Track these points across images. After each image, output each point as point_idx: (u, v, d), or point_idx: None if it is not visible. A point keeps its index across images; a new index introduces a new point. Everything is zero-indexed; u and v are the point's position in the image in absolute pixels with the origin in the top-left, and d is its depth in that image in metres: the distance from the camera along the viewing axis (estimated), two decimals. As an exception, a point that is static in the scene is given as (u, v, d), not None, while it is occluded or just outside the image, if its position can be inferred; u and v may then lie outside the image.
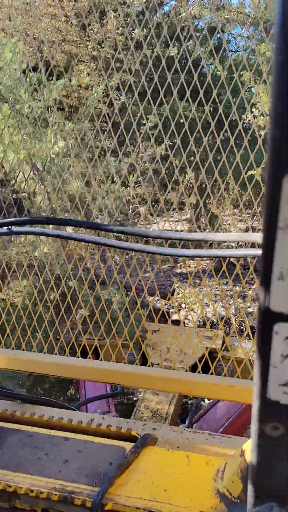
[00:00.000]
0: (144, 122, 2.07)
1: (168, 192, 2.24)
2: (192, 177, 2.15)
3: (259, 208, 2.11)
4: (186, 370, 3.00)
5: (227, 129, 1.97)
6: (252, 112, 2.04)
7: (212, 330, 2.34)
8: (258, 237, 1.38)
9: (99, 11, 9.38)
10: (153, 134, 2.15)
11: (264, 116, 2.06)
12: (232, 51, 11.87)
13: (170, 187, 2.21)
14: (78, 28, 9.51)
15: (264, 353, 0.44)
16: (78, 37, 9.63)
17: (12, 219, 2.00)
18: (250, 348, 2.22)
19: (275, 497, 0.46)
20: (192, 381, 1.89)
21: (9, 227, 1.91)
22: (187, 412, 3.39)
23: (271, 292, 0.42)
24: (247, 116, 2.03)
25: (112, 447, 1.49)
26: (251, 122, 2.04)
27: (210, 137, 2.00)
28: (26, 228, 2.09)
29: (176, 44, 10.32)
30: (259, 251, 1.53)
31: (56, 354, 2.40)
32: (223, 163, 2.00)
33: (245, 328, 2.17)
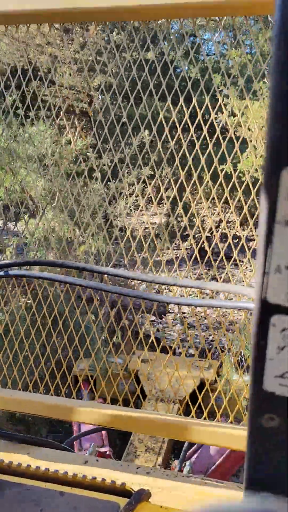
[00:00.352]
0: (125, 121, 2.15)
1: (145, 187, 2.28)
2: (168, 172, 2.19)
3: (231, 200, 2.15)
4: (184, 401, 2.99)
5: (202, 127, 2.06)
6: (223, 112, 2.12)
7: (208, 360, 2.34)
8: (251, 291, 1.41)
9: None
10: (134, 134, 2.21)
11: (233, 117, 2.16)
12: (207, 55, 12.28)
13: (147, 182, 2.26)
14: (61, 32, 9.91)
15: (260, 345, 0.45)
16: (61, 40, 9.89)
17: (10, 261, 2.01)
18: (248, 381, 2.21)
19: (271, 487, 0.46)
20: (183, 426, 1.89)
21: (6, 269, 1.92)
22: (180, 446, 3.35)
23: (268, 285, 0.43)
24: (219, 116, 2.11)
25: (107, 504, 1.49)
26: (222, 121, 2.12)
27: (185, 135, 2.06)
28: (23, 271, 2.10)
29: (153, 48, 10.67)
30: (251, 304, 1.55)
31: (44, 378, 2.39)
32: (198, 159, 2.07)
33: (245, 360, 2.17)
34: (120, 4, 1.85)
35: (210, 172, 2.06)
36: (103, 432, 3.44)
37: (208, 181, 2.11)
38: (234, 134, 2.08)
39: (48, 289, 2.55)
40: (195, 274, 2.28)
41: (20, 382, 2.38)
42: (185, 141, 2.03)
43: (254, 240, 2.03)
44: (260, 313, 0.44)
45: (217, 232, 2.23)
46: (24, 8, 1.92)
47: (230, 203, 2.11)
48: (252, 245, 2.07)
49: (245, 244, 2.05)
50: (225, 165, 2.06)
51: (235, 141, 2.03)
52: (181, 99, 2.09)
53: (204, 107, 2.05)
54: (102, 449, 3.36)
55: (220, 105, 2.05)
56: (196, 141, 2.04)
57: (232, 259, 2.18)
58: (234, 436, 1.82)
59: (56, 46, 9.95)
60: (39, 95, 2.30)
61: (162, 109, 2.14)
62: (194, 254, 2.17)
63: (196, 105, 2.04)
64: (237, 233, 2.23)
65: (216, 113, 2.05)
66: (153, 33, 2.32)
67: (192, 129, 1.99)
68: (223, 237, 2.11)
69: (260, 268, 0.43)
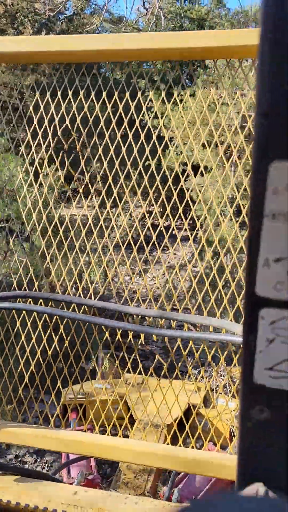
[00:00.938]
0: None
1: (75, 181, 2.33)
2: (97, 167, 2.25)
3: (155, 195, 2.22)
4: (170, 426, 2.96)
5: (126, 126, 2.14)
6: (148, 114, 2.18)
7: (195, 382, 2.33)
8: (238, 328, 1.43)
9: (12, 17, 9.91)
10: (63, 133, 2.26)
11: (157, 118, 2.26)
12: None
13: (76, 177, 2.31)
14: None
15: (250, 338, 0.46)
16: None
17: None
18: (235, 407, 2.21)
19: (262, 478, 0.47)
20: (169, 455, 1.88)
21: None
22: (169, 472, 3.31)
23: (257, 279, 0.44)
24: (144, 116, 2.19)
25: None
26: (147, 122, 2.20)
27: (112, 133, 2.13)
28: (12, 304, 2.09)
29: None
30: (239, 339, 1.57)
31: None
32: (123, 155, 2.14)
33: (229, 384, 2.16)
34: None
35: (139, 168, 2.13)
36: (92, 458, 3.40)
37: (135, 176, 2.18)
38: (159, 134, 2.16)
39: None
40: (129, 257, 2.35)
41: (9, 414, 2.36)
42: (110, 139, 2.09)
43: (182, 228, 2.12)
44: (249, 306, 0.45)
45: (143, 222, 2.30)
46: None
47: (150, 195, 2.18)
48: (178, 233, 2.14)
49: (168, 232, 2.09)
50: (152, 161, 2.14)
51: (158, 141, 2.11)
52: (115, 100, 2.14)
53: (132, 108, 2.11)
54: (91, 477, 3.32)
55: (146, 106, 2.13)
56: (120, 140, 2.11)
57: (162, 245, 2.25)
58: (220, 465, 1.80)
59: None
60: None
61: (93, 108, 2.19)
62: (128, 239, 2.23)
63: (121, 106, 2.11)
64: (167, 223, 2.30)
65: (143, 115, 2.12)
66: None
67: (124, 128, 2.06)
68: (152, 226, 2.19)
69: (248, 261, 0.44)
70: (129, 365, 2.20)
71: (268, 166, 0.41)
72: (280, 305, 0.44)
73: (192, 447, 2.08)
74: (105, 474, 3.75)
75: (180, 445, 2.07)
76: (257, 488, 0.45)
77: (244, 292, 0.45)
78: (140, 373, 2.22)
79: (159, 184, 2.13)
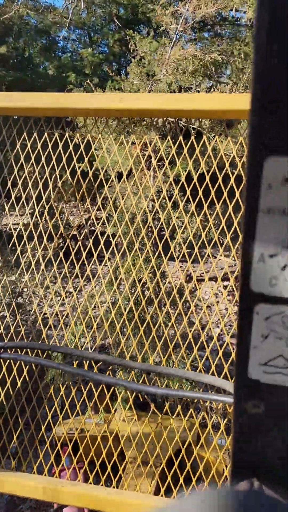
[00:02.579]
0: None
1: (8, 188, 2.28)
2: (31, 171, 2.23)
3: (90, 199, 2.21)
4: (159, 467, 2.90)
5: (63, 126, 2.11)
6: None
7: (188, 420, 2.29)
8: (230, 386, 1.44)
9: None
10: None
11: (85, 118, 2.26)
12: (62, 52, 12.39)
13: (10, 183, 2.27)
14: None
15: (245, 333, 0.46)
16: None
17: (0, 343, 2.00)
18: (225, 445, 2.17)
19: (256, 473, 0.46)
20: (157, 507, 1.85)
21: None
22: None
23: (251, 274, 0.45)
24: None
25: None
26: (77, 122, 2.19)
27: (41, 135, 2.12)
28: (17, 355, 2.09)
29: (7, 41, 10.59)
30: (230, 399, 1.57)
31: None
32: (57, 158, 2.11)
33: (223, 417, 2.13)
34: None
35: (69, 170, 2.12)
36: (85, 509, 3.32)
37: (68, 179, 2.17)
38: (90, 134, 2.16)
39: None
40: (60, 273, 2.30)
41: (4, 459, 2.32)
42: (40, 140, 2.09)
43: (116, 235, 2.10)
44: (244, 302, 0.45)
45: (83, 229, 2.30)
46: None
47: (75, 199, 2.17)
48: (117, 241, 2.13)
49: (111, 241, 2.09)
50: (82, 163, 2.14)
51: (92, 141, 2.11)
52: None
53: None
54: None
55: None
56: (59, 140, 2.11)
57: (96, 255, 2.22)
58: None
59: None
60: None
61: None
62: (61, 253, 2.20)
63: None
64: (104, 230, 2.28)
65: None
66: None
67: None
68: (90, 233, 2.16)
69: (243, 257, 0.45)
70: (119, 400, 2.18)
71: (263, 161, 0.42)
72: (275, 300, 0.45)
73: (181, 485, 2.04)
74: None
75: (174, 496, 2.04)
76: (251, 483, 0.45)
77: (239, 287, 0.46)
78: (131, 410, 2.20)
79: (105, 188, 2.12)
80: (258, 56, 0.39)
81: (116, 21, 10.38)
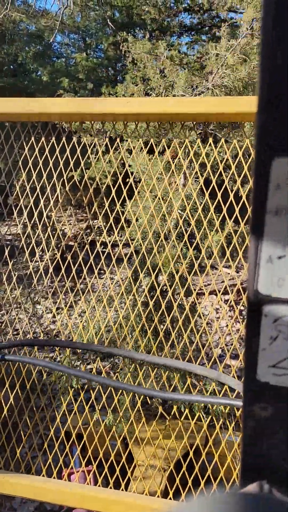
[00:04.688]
0: None
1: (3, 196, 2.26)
2: (24, 179, 2.21)
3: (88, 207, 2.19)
4: (168, 469, 2.90)
5: (51, 132, 2.10)
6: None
7: (196, 423, 2.29)
8: (237, 385, 1.43)
9: None
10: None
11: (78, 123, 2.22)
12: (56, 57, 12.12)
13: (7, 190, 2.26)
14: None
15: (253, 336, 0.46)
16: None
17: (4, 343, 2.00)
18: (236, 441, 2.16)
19: (265, 475, 0.46)
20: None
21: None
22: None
23: (260, 276, 0.44)
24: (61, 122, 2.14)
25: None
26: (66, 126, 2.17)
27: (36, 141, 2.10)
28: (20, 357, 2.09)
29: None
30: (239, 402, 1.56)
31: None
32: (49, 167, 2.10)
33: (231, 420, 2.13)
34: None
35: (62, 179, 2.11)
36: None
37: (60, 188, 2.15)
38: (79, 139, 2.13)
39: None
40: (52, 287, 2.27)
41: (13, 462, 2.32)
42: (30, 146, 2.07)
43: (118, 245, 2.07)
44: (252, 303, 0.45)
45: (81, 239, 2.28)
46: None
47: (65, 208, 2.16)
48: (115, 252, 2.12)
49: (106, 251, 2.07)
50: (75, 172, 2.12)
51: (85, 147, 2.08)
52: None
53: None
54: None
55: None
56: (45, 147, 2.10)
57: (98, 266, 2.19)
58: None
59: None
60: None
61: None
62: (53, 265, 2.17)
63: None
64: (102, 239, 2.25)
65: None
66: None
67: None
68: (87, 244, 2.14)
69: (251, 258, 0.44)
70: (127, 402, 2.17)
71: (270, 162, 0.42)
72: (283, 302, 0.44)
73: (189, 487, 2.04)
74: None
75: (182, 500, 2.03)
76: (261, 485, 0.45)
77: (247, 290, 0.46)
78: (138, 412, 2.19)
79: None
80: (265, 56, 0.39)
81: (111, 24, 10.28)
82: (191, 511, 0.38)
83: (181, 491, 2.08)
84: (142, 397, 2.39)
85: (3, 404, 2.28)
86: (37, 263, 2.30)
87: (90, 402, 2.21)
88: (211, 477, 2.09)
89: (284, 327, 0.45)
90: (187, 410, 2.18)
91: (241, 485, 0.46)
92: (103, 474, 2.15)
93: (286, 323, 0.45)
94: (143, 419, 2.25)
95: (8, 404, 2.22)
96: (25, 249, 2.21)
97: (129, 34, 7.50)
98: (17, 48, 10.71)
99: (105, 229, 2.18)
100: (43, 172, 2.10)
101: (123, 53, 6.78)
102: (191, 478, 2.07)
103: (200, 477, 2.07)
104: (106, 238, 2.12)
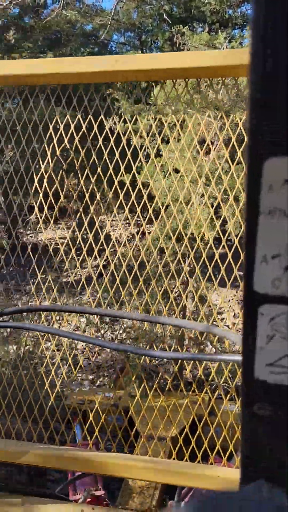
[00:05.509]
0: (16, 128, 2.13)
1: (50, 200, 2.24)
2: (71, 184, 2.19)
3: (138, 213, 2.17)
4: (174, 437, 2.95)
5: (97, 135, 2.05)
6: (113, 119, 2.13)
7: (197, 394, 2.31)
8: (237, 338, 1.43)
9: None
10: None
11: (124, 123, 2.16)
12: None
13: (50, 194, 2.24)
14: None
15: (250, 334, 0.46)
16: None
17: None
18: (234, 410, 2.20)
19: (265, 475, 0.47)
20: (176, 471, 1.88)
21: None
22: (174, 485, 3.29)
23: (255, 275, 0.44)
24: (108, 121, 2.10)
25: None
26: (113, 129, 2.14)
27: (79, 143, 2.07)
28: (13, 323, 2.09)
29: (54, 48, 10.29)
30: (238, 357, 1.57)
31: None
32: (99, 170, 2.09)
33: (229, 389, 2.15)
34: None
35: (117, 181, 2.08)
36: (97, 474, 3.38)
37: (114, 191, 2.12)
38: (127, 141, 2.11)
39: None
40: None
41: (14, 431, 2.34)
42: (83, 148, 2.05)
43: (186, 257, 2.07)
44: (248, 303, 0.45)
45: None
46: None
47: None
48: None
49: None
50: (126, 175, 2.09)
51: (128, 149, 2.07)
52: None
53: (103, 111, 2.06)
54: (97, 493, 3.29)
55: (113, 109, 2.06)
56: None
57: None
58: (225, 479, 1.80)
59: None
60: None
61: (61, 114, 2.11)
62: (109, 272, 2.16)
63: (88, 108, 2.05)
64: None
65: (111, 119, 2.07)
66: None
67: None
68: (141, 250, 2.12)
69: (246, 258, 0.44)
70: (133, 381, 2.20)
71: (263, 163, 0.41)
72: (279, 301, 0.45)
73: (199, 461, 2.07)
74: (111, 489, 3.72)
75: (186, 460, 2.06)
76: (261, 485, 0.45)
77: (243, 289, 0.46)
78: (144, 387, 2.22)
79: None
80: (255, 59, 0.38)
81: (167, 19, 9.90)
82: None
83: (185, 453, 2.11)
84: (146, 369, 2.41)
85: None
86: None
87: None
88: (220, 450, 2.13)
89: (280, 326, 0.45)
90: (194, 385, 2.20)
91: (241, 484, 0.47)
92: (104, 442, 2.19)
93: (282, 322, 0.45)
94: (150, 395, 2.28)
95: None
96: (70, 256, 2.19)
97: (187, 27, 7.18)
98: (71, 49, 10.41)
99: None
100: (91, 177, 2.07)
101: (177, 46, 6.52)
102: (191, 445, 2.10)
103: (208, 449, 2.12)
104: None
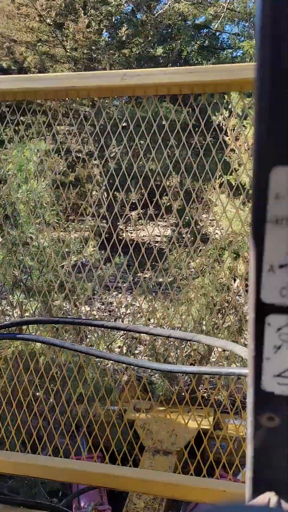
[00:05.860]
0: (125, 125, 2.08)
1: (156, 198, 2.19)
2: (177, 181, 2.14)
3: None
4: (179, 451, 2.93)
5: (204, 131, 1.99)
6: (222, 114, 2.06)
7: (202, 408, 2.29)
8: (241, 351, 1.42)
9: (73, 9, 8.97)
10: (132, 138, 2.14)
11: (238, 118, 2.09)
12: (218, 48, 11.51)
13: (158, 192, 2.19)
14: (53, 28, 9.07)
15: (257, 345, 0.45)
16: (53, 37, 9.19)
17: (6, 322, 2.00)
18: (239, 424, 2.18)
19: (273, 487, 0.46)
20: (181, 485, 1.87)
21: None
22: (180, 501, 3.26)
23: (262, 285, 0.44)
24: (217, 116, 2.04)
25: None
26: (222, 124, 2.08)
27: (190, 140, 2.01)
28: (26, 335, 2.09)
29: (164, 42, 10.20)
30: (245, 370, 1.56)
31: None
32: (206, 167, 2.02)
33: (235, 403, 2.14)
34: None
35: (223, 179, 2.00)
36: (102, 488, 3.36)
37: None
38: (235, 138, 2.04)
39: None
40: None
41: (18, 442, 2.33)
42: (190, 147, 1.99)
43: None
44: (256, 313, 0.45)
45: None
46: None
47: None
48: None
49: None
50: (229, 175, 2.02)
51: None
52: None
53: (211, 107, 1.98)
54: (101, 507, 3.27)
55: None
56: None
57: None
58: (232, 494, 1.79)
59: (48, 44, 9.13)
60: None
61: (168, 111, 2.06)
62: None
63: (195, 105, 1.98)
64: None
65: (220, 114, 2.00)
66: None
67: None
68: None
69: (253, 268, 0.44)
70: (138, 392, 2.18)
71: (270, 171, 0.41)
72: (286, 311, 0.44)
73: (204, 475, 2.05)
74: (115, 501, 3.69)
75: (191, 474, 2.05)
76: (269, 498, 0.45)
77: (250, 299, 0.45)
78: (149, 399, 2.21)
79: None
80: (261, 63, 0.38)
81: None
82: None
83: (191, 467, 2.09)
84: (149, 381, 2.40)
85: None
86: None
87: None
88: (226, 464, 2.11)
89: (287, 336, 0.45)
90: (199, 398, 2.18)
91: (249, 497, 0.46)
92: (108, 455, 2.17)
93: None
94: (155, 409, 2.27)
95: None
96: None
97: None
98: (181, 43, 10.35)
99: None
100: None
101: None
102: (197, 459, 2.09)
103: (213, 463, 2.10)
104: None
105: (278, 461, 0.46)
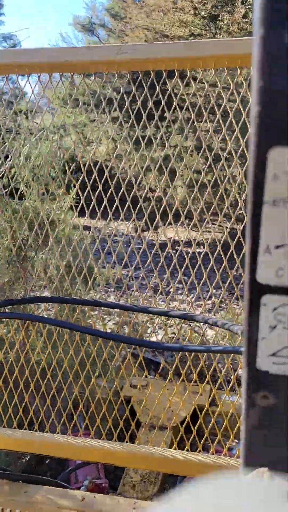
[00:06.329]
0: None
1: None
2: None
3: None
4: (175, 427, 2.97)
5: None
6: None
7: (198, 385, 2.32)
8: (239, 328, 1.42)
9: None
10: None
11: None
12: None
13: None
14: (207, 20, 8.82)
15: (252, 325, 0.46)
16: (205, 30, 8.99)
17: (3, 300, 1.99)
18: (235, 400, 2.20)
19: (266, 463, 0.47)
20: (180, 460, 1.89)
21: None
22: (176, 475, 3.31)
23: (258, 265, 0.44)
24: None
25: None
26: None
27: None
28: (12, 313, 2.08)
29: None
30: (241, 349, 1.56)
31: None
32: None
33: (231, 380, 2.15)
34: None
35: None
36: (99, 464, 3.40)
37: None
38: None
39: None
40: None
41: (16, 419, 2.35)
42: None
43: None
44: (251, 293, 0.45)
45: None
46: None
47: None
48: None
49: None
50: None
51: None
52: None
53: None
54: (98, 481, 3.32)
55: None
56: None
57: None
58: (227, 468, 1.81)
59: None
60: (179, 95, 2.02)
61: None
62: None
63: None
64: None
65: None
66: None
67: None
68: None
69: (249, 248, 0.44)
70: (134, 370, 2.20)
71: (268, 152, 0.41)
72: (282, 291, 0.44)
73: (200, 450, 2.08)
74: (112, 477, 3.74)
75: (187, 449, 2.07)
76: (263, 473, 0.46)
77: (245, 279, 0.45)
78: (145, 376, 2.22)
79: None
80: (260, 51, 0.38)
81: None
82: (194, 497, 0.38)
83: (187, 443, 2.12)
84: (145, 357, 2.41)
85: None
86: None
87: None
88: (221, 441, 2.13)
89: (283, 316, 0.45)
90: (195, 375, 2.20)
91: (244, 472, 0.47)
92: (105, 431, 2.19)
93: (285, 312, 0.45)
94: (151, 384, 2.29)
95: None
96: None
97: None
98: None
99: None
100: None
101: None
102: (193, 432, 2.11)
103: (209, 439, 2.12)
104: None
105: (272, 439, 0.47)
